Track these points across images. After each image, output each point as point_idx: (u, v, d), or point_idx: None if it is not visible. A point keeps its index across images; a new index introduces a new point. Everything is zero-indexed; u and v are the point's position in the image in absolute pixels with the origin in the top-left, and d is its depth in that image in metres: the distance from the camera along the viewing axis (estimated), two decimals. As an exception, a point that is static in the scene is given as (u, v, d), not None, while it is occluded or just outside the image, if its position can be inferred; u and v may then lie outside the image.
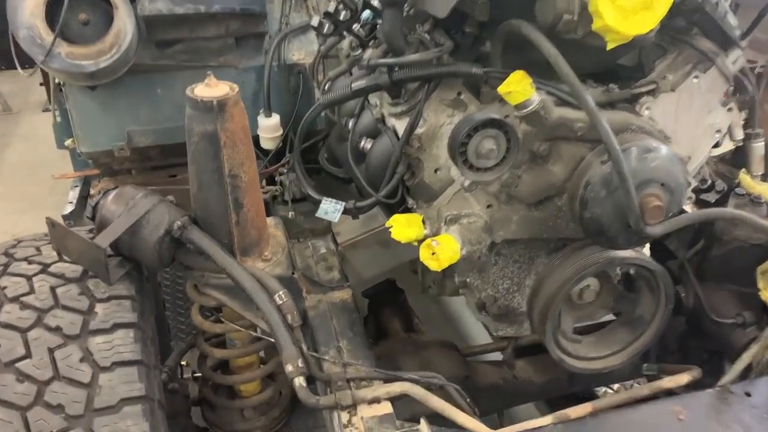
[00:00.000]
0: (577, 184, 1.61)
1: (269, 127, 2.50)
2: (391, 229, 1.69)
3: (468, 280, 1.93)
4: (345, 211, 1.83)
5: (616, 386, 3.13)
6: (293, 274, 1.84)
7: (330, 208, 1.77)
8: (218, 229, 1.77)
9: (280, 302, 1.65)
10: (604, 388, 2.99)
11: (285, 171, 2.49)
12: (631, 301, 1.89)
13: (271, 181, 2.56)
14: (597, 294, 1.86)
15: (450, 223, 1.66)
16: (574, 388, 2.48)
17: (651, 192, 1.54)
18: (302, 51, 2.61)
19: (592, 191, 1.57)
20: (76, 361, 1.52)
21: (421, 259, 1.61)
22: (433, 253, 1.59)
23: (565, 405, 2.62)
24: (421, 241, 1.67)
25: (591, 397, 2.67)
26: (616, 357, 1.87)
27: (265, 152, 2.54)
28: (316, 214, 1.82)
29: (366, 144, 1.90)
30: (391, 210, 2.01)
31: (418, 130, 1.71)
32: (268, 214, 2.05)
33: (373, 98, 1.97)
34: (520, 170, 1.68)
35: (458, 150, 1.50)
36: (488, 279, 1.91)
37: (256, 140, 2.55)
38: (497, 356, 2.70)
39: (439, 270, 1.59)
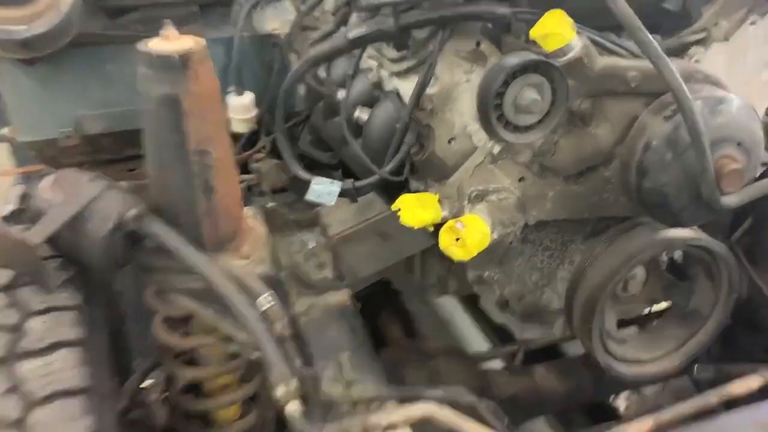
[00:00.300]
0: (632, 148, 1.31)
1: (241, 107, 2.15)
2: (399, 213, 1.37)
3: (486, 274, 1.61)
4: (342, 194, 1.49)
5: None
6: (278, 273, 1.50)
7: (323, 190, 1.44)
8: (184, 220, 1.42)
9: (266, 307, 1.30)
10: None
11: (262, 156, 2.15)
12: (684, 290, 1.59)
13: (245, 169, 2.22)
14: (643, 284, 1.56)
15: (476, 201, 1.34)
16: (599, 395, 2.18)
17: (726, 153, 1.25)
18: (277, 20, 2.27)
19: (654, 154, 1.26)
20: (0, 392, 1.17)
21: (442, 248, 1.29)
22: (458, 239, 1.27)
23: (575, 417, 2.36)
24: (438, 226, 1.35)
25: (605, 407, 2.38)
26: (672, 358, 1.57)
27: (238, 137, 2.20)
28: (306, 197, 1.49)
29: (362, 114, 1.57)
30: (389, 194, 1.69)
31: (430, 90, 1.39)
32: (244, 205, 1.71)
33: (369, 61, 1.65)
34: (557, 134, 1.37)
35: (492, 103, 1.18)
36: (512, 271, 1.60)
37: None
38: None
39: (467, 259, 1.27)
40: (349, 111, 1.58)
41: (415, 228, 1.36)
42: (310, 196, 1.46)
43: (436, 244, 1.85)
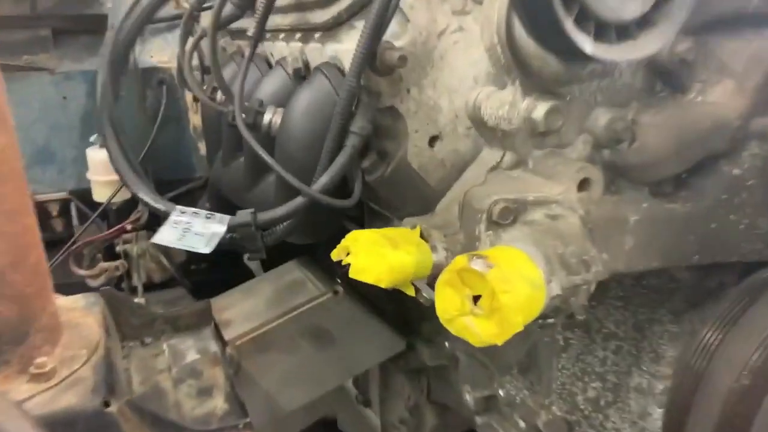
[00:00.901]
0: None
1: (107, 165, 1.47)
2: (347, 259, 0.66)
3: (499, 391, 0.91)
4: (235, 239, 0.78)
5: None
6: (107, 406, 0.75)
7: (193, 227, 0.73)
8: None
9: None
10: None
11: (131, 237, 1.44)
12: None
13: (111, 254, 1.49)
14: None
15: (501, 222, 0.65)
16: None
17: None
18: (166, 52, 1.65)
19: None
20: None
21: (444, 320, 0.58)
22: (476, 299, 0.56)
23: None
24: (420, 286, 0.65)
25: None
26: None
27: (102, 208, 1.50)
28: (152, 239, 0.77)
29: (275, 118, 0.91)
30: (325, 261, 0.99)
31: (396, 41, 0.75)
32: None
33: (289, 45, 1.02)
34: (632, 110, 0.73)
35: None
36: (549, 383, 0.90)
37: (86, 192, 1.53)
38: None
39: (501, 341, 0.56)
40: (254, 112, 0.92)
41: (384, 288, 0.65)
42: (164, 236, 0.73)
43: (408, 350, 1.16)
